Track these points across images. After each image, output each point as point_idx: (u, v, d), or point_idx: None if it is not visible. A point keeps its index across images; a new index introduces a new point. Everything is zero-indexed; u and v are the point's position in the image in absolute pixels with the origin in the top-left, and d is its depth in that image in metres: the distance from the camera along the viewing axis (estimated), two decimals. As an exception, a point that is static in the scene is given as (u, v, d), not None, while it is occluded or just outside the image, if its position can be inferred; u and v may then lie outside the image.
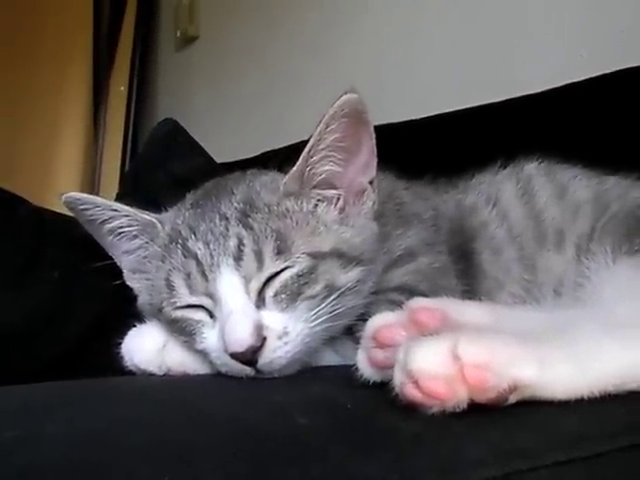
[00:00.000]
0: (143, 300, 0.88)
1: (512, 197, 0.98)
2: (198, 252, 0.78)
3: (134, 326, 0.86)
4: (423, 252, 0.89)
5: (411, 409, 0.54)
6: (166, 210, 0.90)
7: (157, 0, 2.76)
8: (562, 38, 1.42)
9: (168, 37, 2.70)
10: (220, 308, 0.77)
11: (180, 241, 0.80)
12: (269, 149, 1.70)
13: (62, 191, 0.88)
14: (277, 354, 0.75)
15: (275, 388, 0.72)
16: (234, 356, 0.74)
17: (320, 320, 0.77)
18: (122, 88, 2.67)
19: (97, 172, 2.66)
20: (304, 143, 0.81)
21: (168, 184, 1.27)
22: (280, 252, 0.77)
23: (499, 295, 0.92)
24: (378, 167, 0.85)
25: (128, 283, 0.91)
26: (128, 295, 0.90)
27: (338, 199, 0.84)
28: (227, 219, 0.79)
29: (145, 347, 0.83)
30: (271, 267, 0.77)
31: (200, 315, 0.79)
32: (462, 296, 0.86)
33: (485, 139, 1.29)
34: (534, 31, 1.48)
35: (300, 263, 0.78)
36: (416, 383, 0.53)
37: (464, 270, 0.91)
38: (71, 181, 2.47)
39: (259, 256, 0.77)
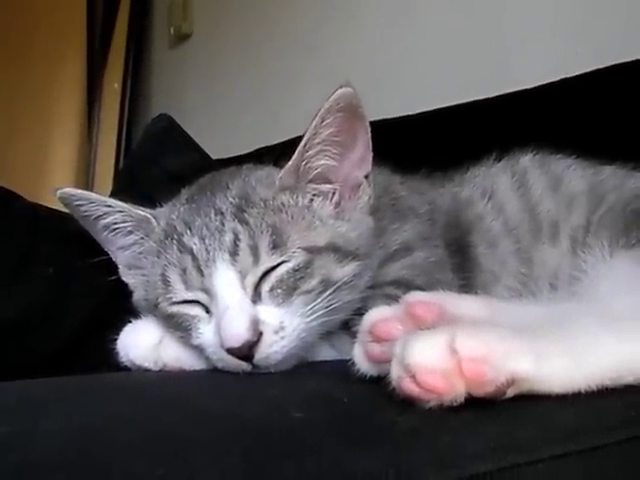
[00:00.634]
0: (139, 296, 0.88)
1: (507, 190, 0.98)
2: (194, 247, 0.78)
3: (130, 322, 0.85)
4: (419, 246, 0.89)
5: (408, 403, 0.54)
6: (161, 206, 0.89)
7: (151, -3, 2.76)
8: (557, 35, 1.42)
9: (162, 34, 2.69)
10: (216, 303, 0.76)
11: (175, 236, 0.80)
12: (263, 145, 1.70)
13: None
14: (273, 349, 0.75)
15: (271, 383, 0.72)
16: (230, 351, 0.74)
17: (316, 315, 0.77)
18: (116, 86, 2.67)
19: (91, 170, 2.66)
20: (299, 138, 0.81)
21: (163, 180, 1.27)
22: (276, 247, 0.77)
23: (495, 289, 0.92)
24: (374, 162, 0.85)
25: (124, 279, 0.90)
26: (124, 291, 0.90)
27: (334, 193, 0.84)
28: (222, 214, 0.79)
29: (141, 343, 0.83)
30: (267, 262, 0.77)
31: (196, 310, 0.79)
32: (458, 290, 0.86)
33: (480, 134, 1.29)
34: (529, 27, 1.48)
35: (296, 258, 0.77)
36: (413, 377, 0.53)
37: (460, 264, 0.91)
38: (65, 179, 2.47)
39: (255, 251, 0.77)
